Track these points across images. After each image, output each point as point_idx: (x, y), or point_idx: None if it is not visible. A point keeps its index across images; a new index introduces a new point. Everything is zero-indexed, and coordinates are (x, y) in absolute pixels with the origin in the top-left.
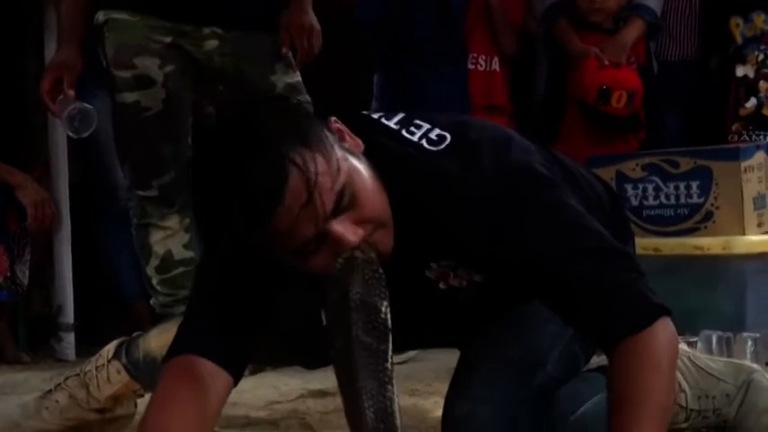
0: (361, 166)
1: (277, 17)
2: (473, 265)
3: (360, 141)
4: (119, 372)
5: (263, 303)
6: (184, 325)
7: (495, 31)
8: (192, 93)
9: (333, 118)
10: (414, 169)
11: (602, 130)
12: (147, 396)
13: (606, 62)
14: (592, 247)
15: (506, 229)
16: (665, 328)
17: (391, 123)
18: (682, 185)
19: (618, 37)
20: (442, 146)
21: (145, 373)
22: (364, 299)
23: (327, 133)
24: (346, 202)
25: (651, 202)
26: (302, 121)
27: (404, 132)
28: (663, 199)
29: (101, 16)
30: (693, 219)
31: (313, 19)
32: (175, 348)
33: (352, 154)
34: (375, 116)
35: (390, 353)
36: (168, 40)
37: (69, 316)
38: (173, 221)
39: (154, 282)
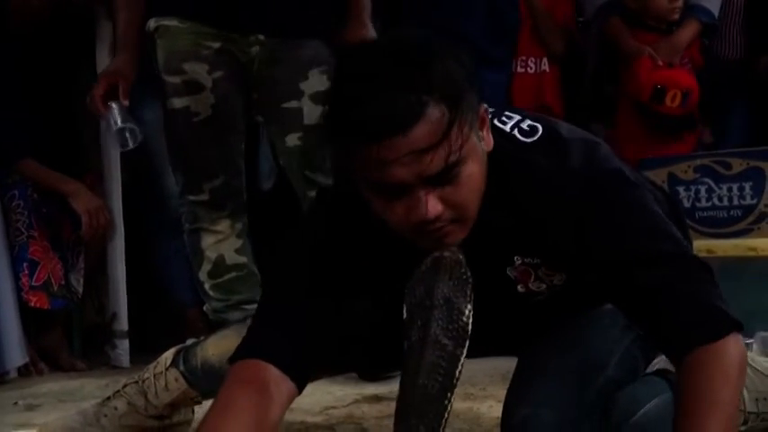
0: (480, 159)
1: (319, 24)
2: (555, 263)
3: (492, 141)
4: (176, 379)
5: (333, 313)
6: (254, 327)
7: (541, 31)
8: (242, 98)
9: (485, 106)
10: (507, 159)
11: (656, 129)
12: (206, 403)
13: (660, 62)
14: (673, 253)
15: (592, 225)
16: (736, 342)
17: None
18: (734, 187)
19: (672, 37)
20: (535, 137)
21: (202, 380)
22: (449, 298)
23: (475, 113)
24: (449, 177)
25: (704, 203)
26: (463, 86)
27: (496, 121)
28: (715, 200)
29: (152, 23)
30: (747, 220)
31: (373, 33)
32: (243, 351)
33: (480, 142)
34: None
35: (463, 359)
36: (217, 45)
37: (123, 323)
38: (224, 225)
39: (206, 287)
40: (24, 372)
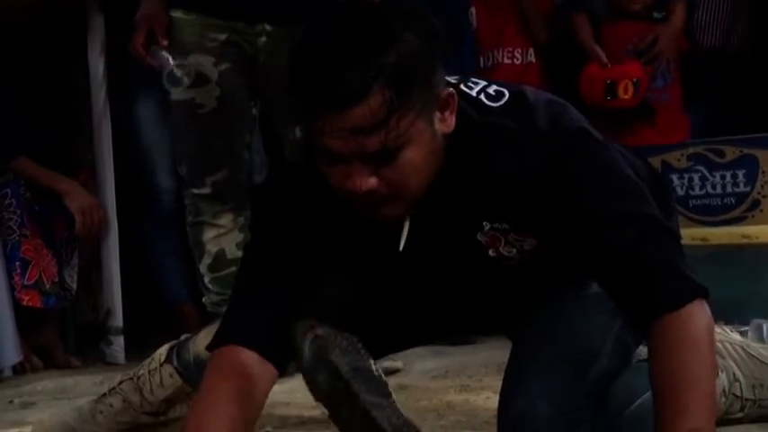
0: (428, 143)
1: (326, 12)
2: (524, 228)
3: (453, 123)
4: (171, 375)
5: (310, 293)
6: (230, 313)
7: (527, 21)
8: (248, 90)
9: (451, 90)
10: (473, 124)
11: (614, 125)
12: None
13: (608, 64)
14: (640, 214)
15: (559, 185)
16: (702, 308)
17: (450, 78)
18: (728, 174)
19: (671, 24)
20: (501, 102)
21: (196, 375)
22: (353, 366)
23: (432, 98)
24: (385, 159)
25: (697, 191)
26: (418, 72)
27: (462, 86)
28: (709, 188)
29: None
30: (740, 208)
31: None
32: (221, 338)
33: (431, 127)
34: None
35: (395, 405)
36: (223, 37)
37: (118, 319)
38: (226, 219)
39: (206, 280)
40: (19, 370)
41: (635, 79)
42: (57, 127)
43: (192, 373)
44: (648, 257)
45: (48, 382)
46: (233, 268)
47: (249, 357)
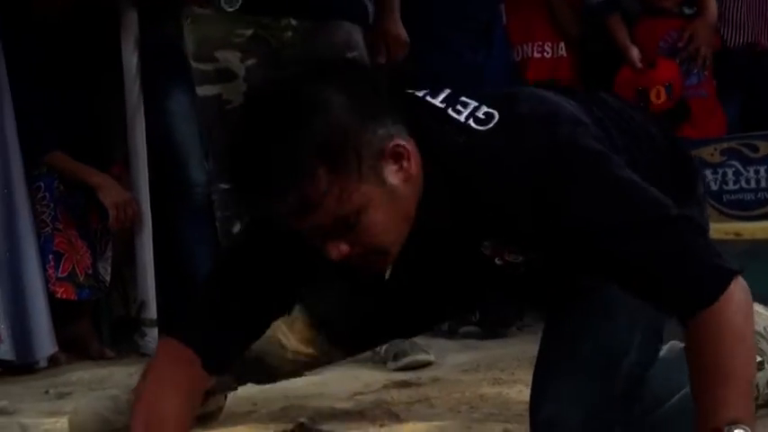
0: (387, 199)
1: (352, 6)
2: (529, 245)
3: (414, 168)
4: None
5: (266, 303)
6: (189, 305)
7: (556, 15)
8: None
9: (398, 142)
10: (461, 152)
11: None
12: (240, 389)
13: (639, 66)
14: (648, 219)
15: (559, 205)
16: (737, 291)
17: (437, 102)
18: (762, 169)
19: (705, 19)
20: (491, 125)
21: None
22: None
23: (375, 156)
24: (346, 228)
25: (731, 186)
26: (350, 137)
27: (450, 111)
28: (743, 183)
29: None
30: None
31: (403, 30)
32: (173, 327)
33: (384, 184)
34: (420, 94)
35: None
36: (249, 32)
37: (152, 311)
38: None
39: None
40: (54, 361)
41: (666, 83)
42: (90, 121)
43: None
44: (669, 259)
45: (83, 373)
46: None
47: (188, 355)
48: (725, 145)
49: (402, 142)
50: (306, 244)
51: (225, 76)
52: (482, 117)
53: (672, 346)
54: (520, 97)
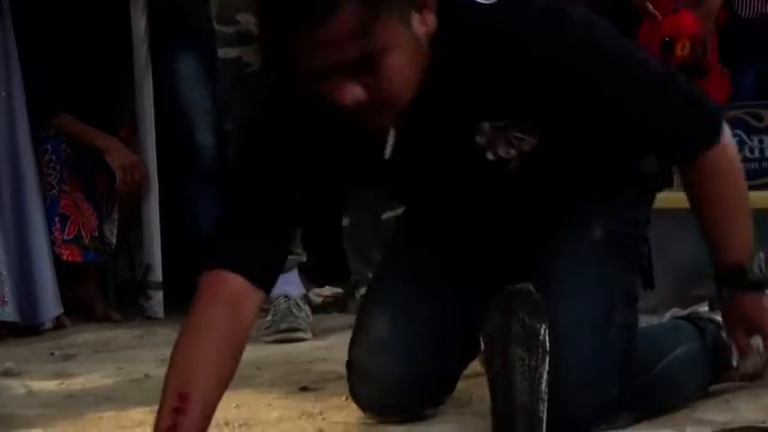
0: (409, 47)
1: None
2: (528, 119)
3: (433, 21)
4: None
5: (294, 210)
6: (220, 236)
7: None
8: None
9: None
10: (465, 24)
11: None
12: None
13: (659, 16)
14: (648, 77)
15: (560, 72)
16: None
17: None
18: (766, 139)
19: (705, 5)
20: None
21: None
22: (526, 322)
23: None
24: (367, 68)
25: None
26: None
27: None
28: (747, 153)
29: None
30: None
31: None
32: (211, 261)
33: (410, 30)
34: None
35: (546, 374)
36: None
37: (158, 274)
38: None
39: None
40: (59, 324)
41: (692, 37)
42: (98, 84)
43: None
44: (670, 110)
45: (88, 335)
46: None
47: (238, 282)
48: (729, 114)
49: None
50: (319, 127)
51: (245, 38)
52: None
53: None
54: None
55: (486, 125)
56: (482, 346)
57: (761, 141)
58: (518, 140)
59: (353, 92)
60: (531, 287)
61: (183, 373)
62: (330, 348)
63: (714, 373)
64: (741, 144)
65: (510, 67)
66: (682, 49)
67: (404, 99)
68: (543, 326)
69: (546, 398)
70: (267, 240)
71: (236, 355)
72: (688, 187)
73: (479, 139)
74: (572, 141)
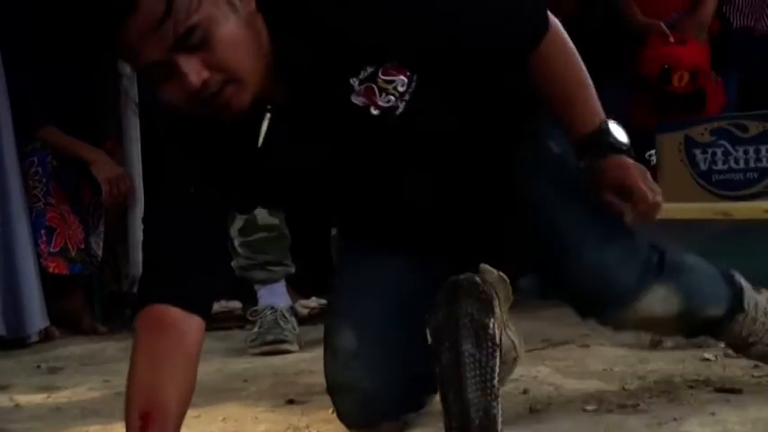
0: (233, 15)
1: None
2: (387, 58)
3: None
4: None
5: (215, 235)
6: (146, 272)
7: None
8: None
9: None
10: None
11: (664, 107)
12: (229, 365)
13: (671, 39)
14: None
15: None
16: (552, 20)
17: None
18: (751, 149)
19: (698, 14)
20: None
21: None
22: (474, 316)
23: None
24: (197, 40)
25: (720, 166)
26: None
27: None
28: (732, 163)
29: None
30: (763, 182)
31: None
32: (144, 298)
33: (228, 3)
34: None
35: (497, 369)
36: None
37: None
38: None
39: (236, 243)
40: (45, 336)
41: (693, 70)
42: (83, 96)
43: None
44: (489, 23)
45: (74, 348)
46: (263, 234)
47: (175, 313)
48: (714, 125)
49: None
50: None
51: None
52: None
53: None
54: None
55: (354, 81)
56: (428, 339)
57: (746, 152)
58: (389, 83)
59: (196, 70)
60: (477, 278)
61: (144, 395)
62: (316, 360)
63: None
64: (726, 155)
65: (339, 20)
66: (679, 80)
67: (250, 72)
68: (492, 319)
69: (499, 394)
70: (191, 265)
71: (192, 371)
72: (532, 78)
73: (355, 99)
74: (437, 72)
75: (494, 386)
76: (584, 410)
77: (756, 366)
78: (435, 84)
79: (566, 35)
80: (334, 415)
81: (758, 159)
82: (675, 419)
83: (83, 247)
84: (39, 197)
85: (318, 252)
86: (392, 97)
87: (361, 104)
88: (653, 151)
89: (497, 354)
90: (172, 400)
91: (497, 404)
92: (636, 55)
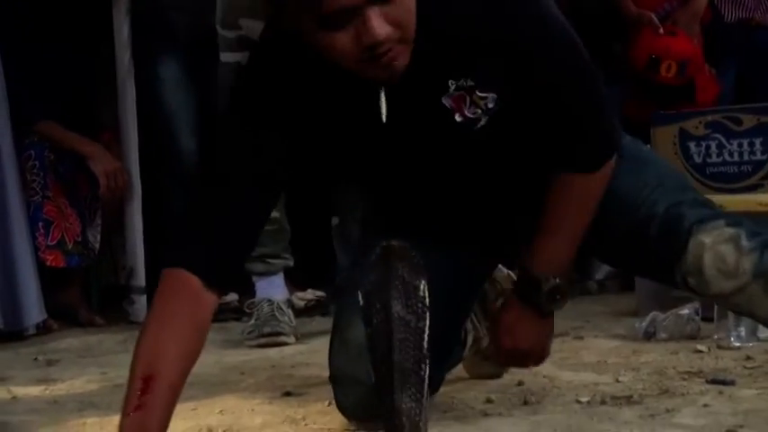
0: None
1: None
2: (487, 75)
3: None
4: None
5: (259, 212)
6: (183, 233)
7: None
8: None
9: None
10: None
11: (653, 97)
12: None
13: (661, 30)
14: (580, 64)
15: (517, 38)
16: (609, 165)
17: None
18: (745, 142)
19: (691, 5)
20: None
21: None
22: (404, 277)
23: None
24: None
25: (714, 159)
26: None
27: None
28: (726, 156)
29: None
30: (757, 175)
31: None
32: (173, 258)
33: None
34: None
35: (428, 331)
36: None
37: (141, 279)
38: None
39: None
40: (42, 329)
41: (681, 60)
42: (81, 90)
43: None
44: (584, 115)
45: (72, 340)
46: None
47: (194, 283)
48: (709, 118)
49: None
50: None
51: (245, 44)
52: None
53: None
54: None
55: (452, 84)
56: (360, 301)
57: (740, 145)
58: (482, 99)
59: (384, 26)
60: (407, 245)
61: (147, 359)
62: (313, 353)
63: None
64: (720, 148)
65: (467, 30)
66: (667, 70)
67: (413, 32)
68: (423, 281)
69: (428, 355)
70: (228, 244)
71: (200, 338)
72: (548, 180)
73: (445, 101)
74: (526, 101)
75: (423, 348)
76: (578, 402)
77: (749, 358)
78: (517, 112)
79: (603, 184)
80: (331, 407)
81: (752, 152)
82: (668, 411)
83: (80, 239)
84: (36, 190)
85: (316, 245)
86: (479, 110)
87: (448, 106)
88: (648, 146)
89: (427, 316)
90: (174, 365)
91: (426, 365)
92: (627, 46)
